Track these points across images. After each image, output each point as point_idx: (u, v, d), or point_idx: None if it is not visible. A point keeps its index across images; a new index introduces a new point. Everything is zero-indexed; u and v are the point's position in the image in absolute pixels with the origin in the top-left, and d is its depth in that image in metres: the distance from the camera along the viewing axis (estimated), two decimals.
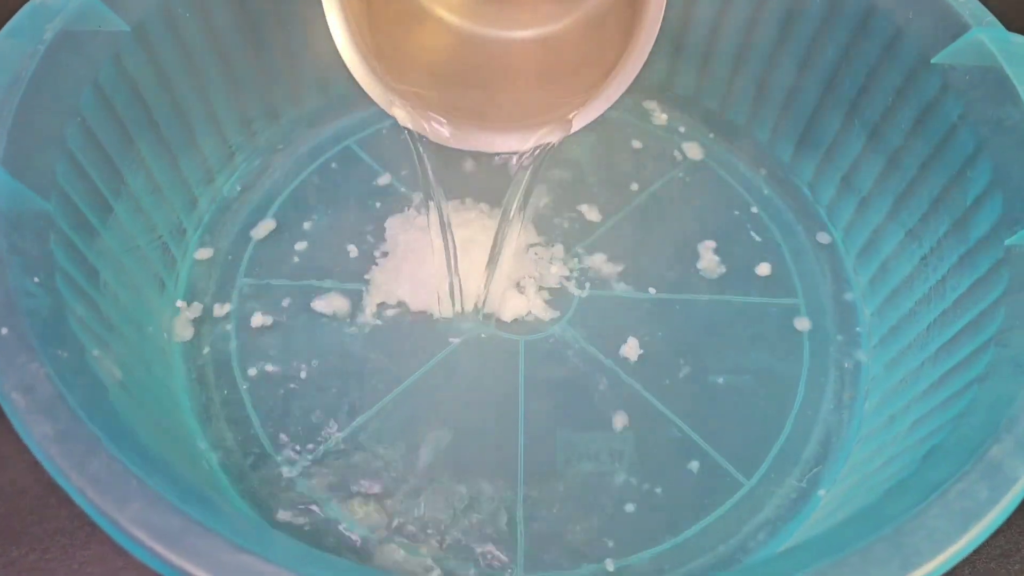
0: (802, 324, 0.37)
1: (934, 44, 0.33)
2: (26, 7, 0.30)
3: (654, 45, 0.34)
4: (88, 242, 0.29)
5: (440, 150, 0.36)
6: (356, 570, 0.21)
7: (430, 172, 0.34)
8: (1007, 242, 0.28)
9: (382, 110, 0.36)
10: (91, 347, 0.25)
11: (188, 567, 0.19)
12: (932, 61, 0.33)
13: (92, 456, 0.21)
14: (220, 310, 0.36)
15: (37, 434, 0.21)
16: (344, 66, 0.35)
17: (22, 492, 0.32)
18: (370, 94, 0.34)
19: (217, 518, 0.20)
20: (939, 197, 0.33)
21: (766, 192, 0.41)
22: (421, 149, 0.33)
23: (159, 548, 0.19)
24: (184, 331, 0.36)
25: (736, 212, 0.41)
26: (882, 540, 0.20)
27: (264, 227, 0.39)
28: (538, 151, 0.35)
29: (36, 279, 0.25)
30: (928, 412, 0.28)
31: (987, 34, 0.32)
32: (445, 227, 0.35)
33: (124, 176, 0.33)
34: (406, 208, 0.40)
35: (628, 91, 0.35)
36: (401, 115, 0.33)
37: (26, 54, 0.29)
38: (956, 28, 0.32)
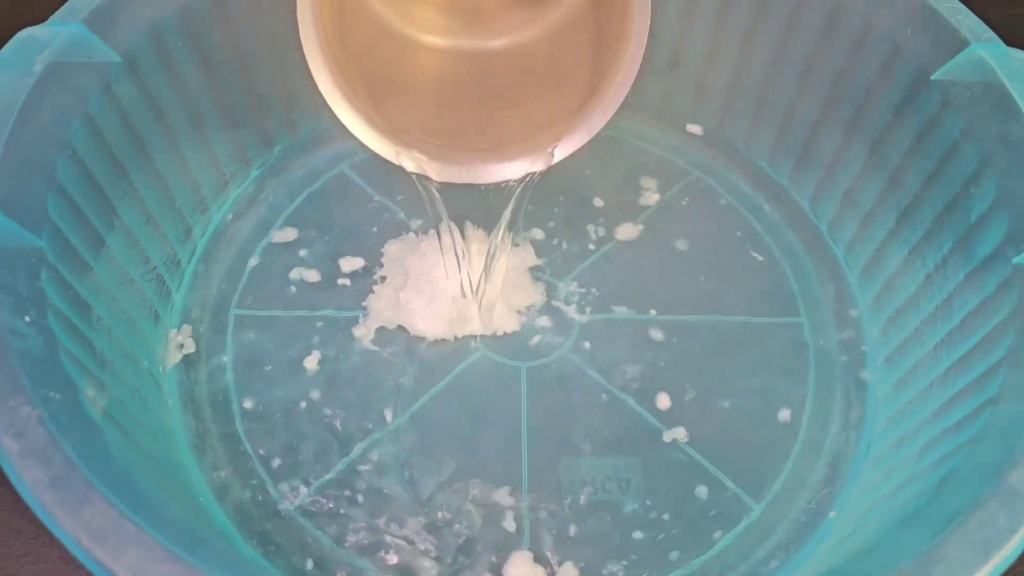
0: (806, 343, 0.37)
1: (934, 60, 0.33)
2: (15, 39, 0.30)
3: (651, 64, 0.34)
4: (80, 277, 0.29)
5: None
6: None
7: (439, 202, 0.33)
8: (1015, 260, 0.28)
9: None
10: (84, 386, 0.24)
11: None
12: (932, 77, 0.33)
13: (86, 503, 0.20)
14: (216, 341, 0.36)
15: (29, 480, 0.20)
16: None
17: (16, 532, 0.32)
18: (380, 152, 0.33)
19: (215, 564, 0.20)
20: (943, 214, 0.32)
21: (767, 210, 0.41)
22: (429, 185, 0.33)
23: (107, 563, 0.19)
24: (179, 364, 0.35)
25: (738, 232, 0.40)
26: (903, 574, 0.20)
27: (259, 255, 0.39)
28: (525, 179, 0.34)
29: (27, 318, 0.24)
30: (939, 435, 0.27)
31: (987, 50, 0.31)
32: (461, 252, 0.34)
33: (116, 208, 0.32)
34: (404, 232, 0.39)
35: (627, 111, 0.35)
36: (410, 165, 0.32)
37: (15, 87, 0.28)
38: (955, 44, 0.32)
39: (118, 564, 0.19)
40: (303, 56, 0.32)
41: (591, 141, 0.33)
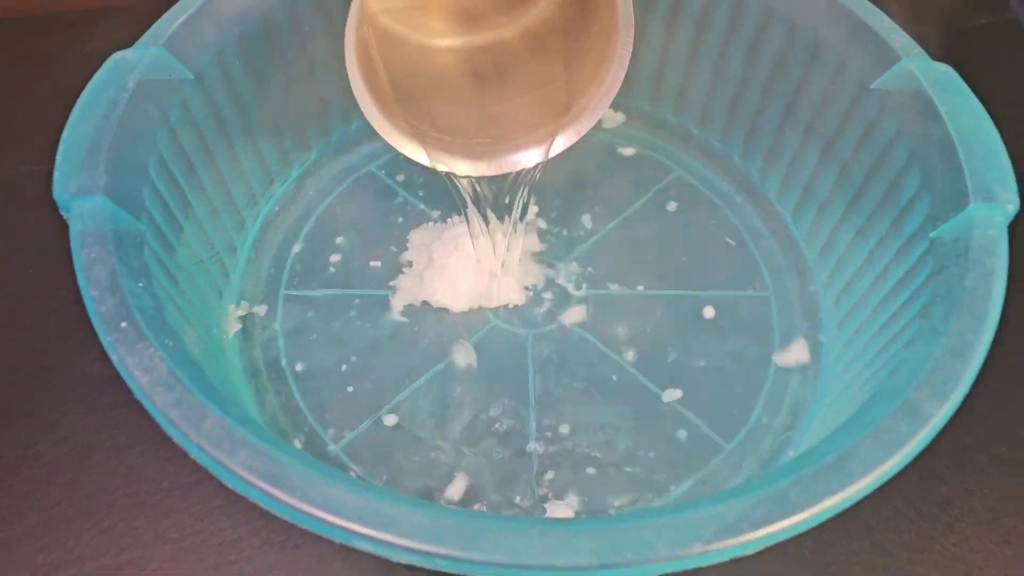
0: (772, 313, 0.43)
1: (872, 73, 0.39)
2: (109, 61, 0.36)
3: (638, 73, 0.40)
4: (168, 256, 0.35)
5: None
6: (413, 503, 0.26)
7: (466, 191, 0.40)
8: (931, 235, 0.34)
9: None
10: (185, 336, 0.31)
11: (288, 500, 0.25)
12: (871, 87, 0.39)
13: (204, 418, 0.26)
14: (268, 315, 0.42)
15: (159, 403, 0.27)
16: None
17: (111, 472, 0.38)
18: (417, 160, 0.39)
19: (305, 463, 0.26)
20: (881, 201, 0.39)
21: (739, 202, 0.47)
22: (457, 180, 0.39)
23: (264, 485, 0.25)
24: (238, 333, 0.41)
25: (713, 221, 0.47)
26: (825, 467, 0.26)
27: (301, 242, 0.45)
28: (536, 168, 0.40)
29: (140, 284, 0.30)
30: (871, 375, 0.34)
31: (915, 64, 0.38)
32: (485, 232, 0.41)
33: (190, 201, 0.38)
34: (426, 222, 0.46)
35: (617, 114, 0.41)
36: (441, 167, 0.38)
37: (113, 102, 0.35)
38: (889, 59, 0.39)
39: (233, 462, 0.25)
40: (335, 74, 0.38)
41: (585, 140, 0.39)
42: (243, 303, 0.42)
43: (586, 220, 0.46)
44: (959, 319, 0.30)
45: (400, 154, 0.39)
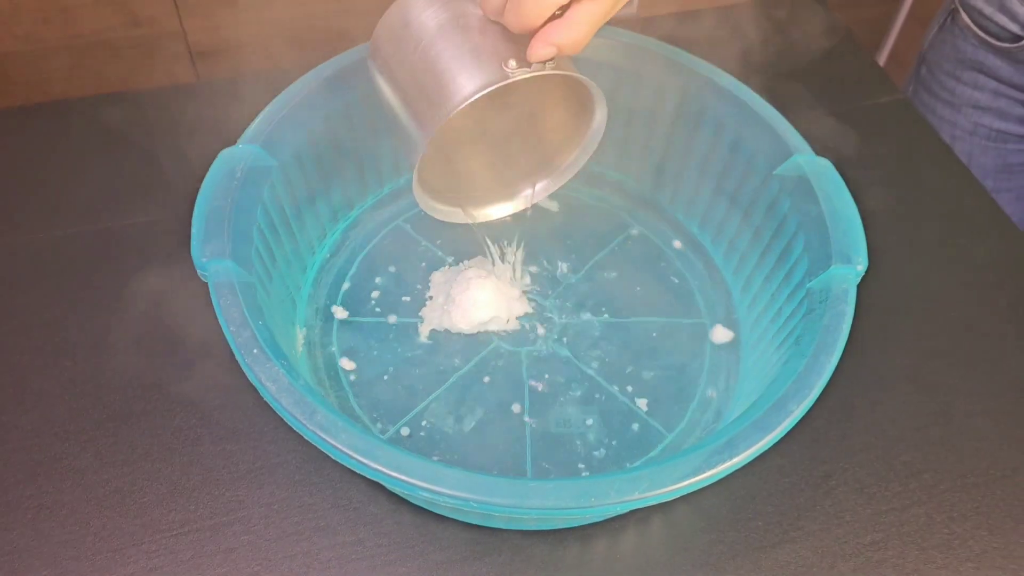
0: (705, 336, 0.57)
1: (776, 162, 0.54)
2: (221, 155, 0.50)
3: (603, 154, 0.55)
4: (266, 298, 0.49)
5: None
6: (451, 467, 0.40)
7: (485, 237, 0.54)
8: (808, 286, 0.49)
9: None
10: (290, 359, 0.44)
11: (374, 466, 0.38)
12: (774, 173, 0.54)
13: (315, 412, 0.40)
14: (325, 336, 0.56)
15: (284, 403, 0.40)
16: (391, 171, 0.56)
17: (216, 455, 0.51)
18: (459, 222, 0.55)
19: (383, 442, 0.40)
20: (779, 257, 0.53)
21: (682, 248, 0.62)
22: (478, 232, 0.54)
23: (359, 457, 0.39)
24: (304, 350, 0.55)
25: (662, 264, 0.61)
26: (719, 446, 0.40)
27: (348, 281, 0.59)
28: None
29: (260, 321, 0.44)
30: (769, 370, 0.48)
31: (803, 158, 0.52)
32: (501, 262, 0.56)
33: (275, 256, 0.52)
34: (443, 266, 0.60)
35: (588, 181, 0.55)
36: (477, 221, 0.55)
37: (230, 186, 0.48)
38: (786, 153, 0.53)
39: (339, 442, 0.39)
40: (372, 153, 0.53)
41: (565, 206, 0.53)
42: (307, 328, 0.56)
43: (564, 267, 0.60)
44: (817, 347, 0.44)
45: (416, 208, 0.53)
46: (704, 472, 0.39)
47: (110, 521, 0.49)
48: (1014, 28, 0.70)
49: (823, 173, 0.52)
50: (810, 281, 0.49)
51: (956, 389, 0.56)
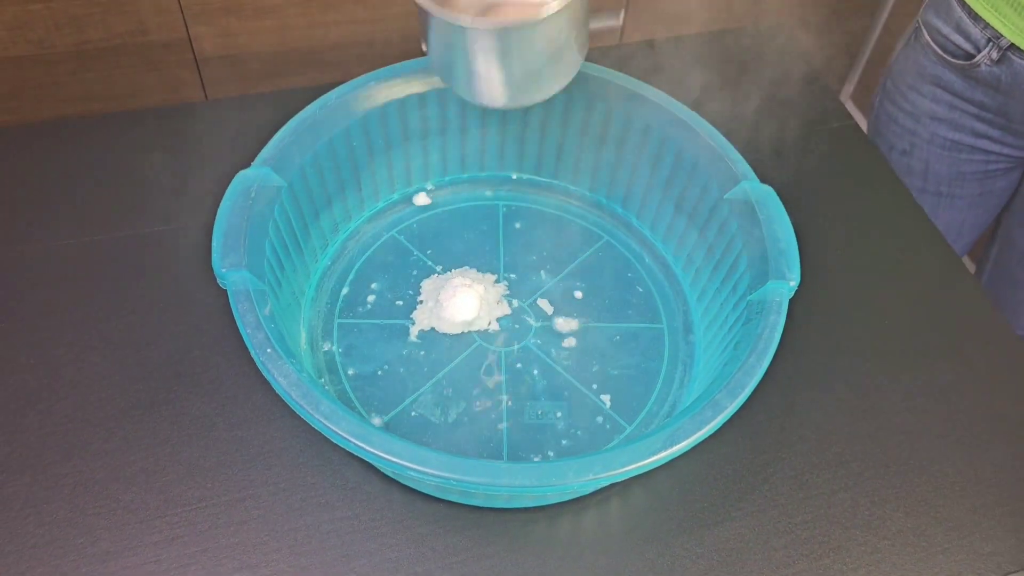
0: (663, 339, 0.64)
1: (726, 187, 0.61)
2: (238, 176, 0.57)
3: (578, 172, 0.62)
4: (276, 303, 0.56)
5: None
6: (433, 451, 0.47)
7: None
8: (748, 298, 0.56)
9: (413, 216, 0.63)
10: (298, 357, 0.51)
11: (370, 449, 0.46)
12: (725, 196, 0.61)
13: (320, 403, 0.47)
14: (326, 336, 0.63)
15: (294, 395, 0.47)
16: (386, 187, 0.63)
17: (230, 440, 0.58)
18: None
19: (377, 429, 0.47)
20: (728, 271, 0.60)
21: (647, 260, 0.69)
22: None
23: (357, 442, 0.46)
24: (307, 347, 0.62)
25: (629, 274, 0.68)
26: (659, 437, 0.47)
27: (348, 286, 0.66)
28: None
29: (273, 325, 0.51)
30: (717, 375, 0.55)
31: (749, 184, 0.60)
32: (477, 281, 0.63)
33: (284, 266, 0.59)
34: (432, 274, 0.67)
35: (564, 196, 0.62)
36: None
37: (245, 204, 0.55)
38: (735, 179, 0.60)
39: (339, 429, 0.46)
40: (370, 172, 0.60)
41: (541, 216, 0.60)
42: (310, 328, 0.63)
43: (542, 273, 0.68)
44: (750, 352, 0.51)
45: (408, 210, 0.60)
46: (647, 458, 0.46)
47: (137, 496, 0.56)
48: (967, 47, 0.77)
49: (766, 198, 0.59)
50: (751, 294, 0.56)
51: (884, 389, 0.63)
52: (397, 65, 0.64)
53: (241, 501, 0.56)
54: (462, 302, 0.63)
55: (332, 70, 1.47)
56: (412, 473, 0.46)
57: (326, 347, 0.63)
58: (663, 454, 0.47)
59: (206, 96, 1.44)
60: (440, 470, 0.45)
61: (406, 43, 1.43)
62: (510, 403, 0.60)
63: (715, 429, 0.49)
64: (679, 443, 0.47)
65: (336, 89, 0.62)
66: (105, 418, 0.59)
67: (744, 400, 0.50)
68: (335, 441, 0.47)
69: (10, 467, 0.56)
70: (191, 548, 0.54)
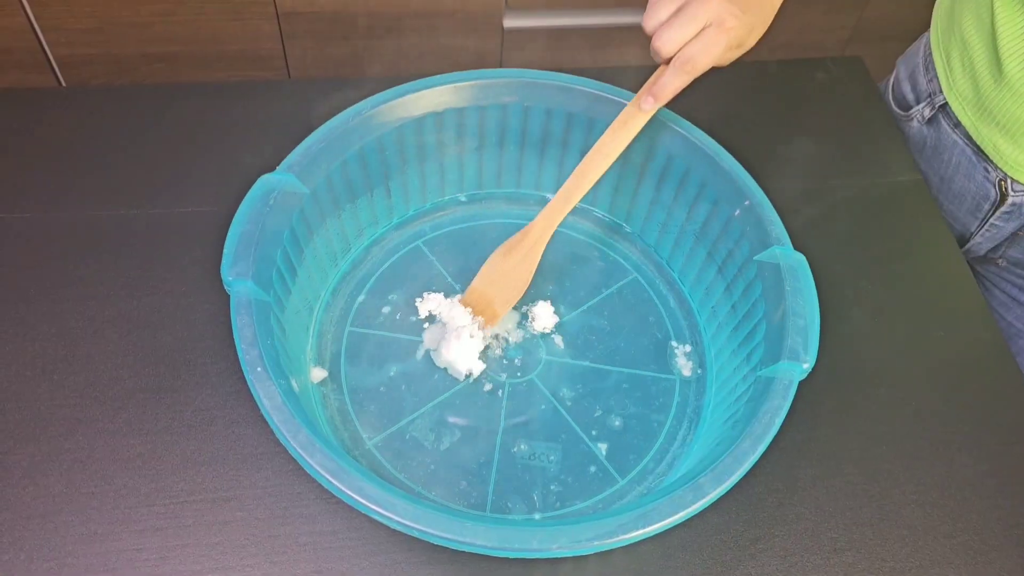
0: (675, 394, 0.63)
1: (757, 249, 0.58)
2: (259, 181, 0.57)
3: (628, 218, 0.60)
4: (281, 313, 0.56)
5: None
6: (406, 496, 0.47)
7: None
8: (758, 372, 0.54)
9: (443, 227, 0.62)
10: (291, 377, 0.51)
11: (340, 486, 0.46)
12: (755, 258, 0.58)
13: (299, 431, 0.47)
14: (335, 343, 0.63)
15: (276, 419, 0.48)
16: (418, 195, 0.62)
17: (227, 437, 0.59)
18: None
19: (352, 466, 0.47)
20: (748, 335, 0.58)
21: (673, 307, 0.67)
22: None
23: (328, 477, 0.46)
24: (314, 353, 0.62)
25: (651, 317, 0.66)
26: (637, 514, 0.46)
27: (364, 294, 0.66)
28: None
29: (269, 341, 0.51)
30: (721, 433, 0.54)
31: (780, 249, 0.57)
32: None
33: (297, 272, 0.59)
34: (453, 293, 0.66)
35: (605, 233, 0.61)
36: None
37: (263, 210, 0.55)
38: (768, 242, 0.58)
39: (312, 460, 0.46)
40: (402, 178, 0.60)
41: (572, 246, 0.59)
42: (318, 334, 0.63)
43: (561, 305, 0.66)
44: (746, 436, 0.49)
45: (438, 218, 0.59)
46: (616, 536, 0.45)
47: (130, 481, 0.57)
48: (910, 98, 0.80)
49: (796, 268, 0.56)
50: (762, 368, 0.54)
51: (896, 477, 0.60)
52: (435, 77, 0.63)
53: (227, 500, 0.57)
54: (464, 349, 0.62)
55: (412, 36, 1.47)
56: (375, 516, 0.45)
57: (332, 354, 0.63)
58: (633, 534, 0.46)
59: (283, 47, 1.46)
60: (404, 518, 0.45)
61: (488, 15, 1.41)
62: (504, 438, 0.60)
63: (693, 514, 0.47)
64: (652, 524, 0.46)
65: (370, 99, 0.62)
66: (113, 397, 0.60)
67: (729, 488, 0.48)
68: (307, 470, 0.47)
69: (17, 435, 0.58)
70: (172, 541, 0.55)
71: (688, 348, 0.65)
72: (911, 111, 0.78)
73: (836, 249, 0.58)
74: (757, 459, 0.49)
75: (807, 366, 0.52)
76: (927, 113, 0.76)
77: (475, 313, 0.63)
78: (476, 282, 0.64)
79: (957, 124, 0.74)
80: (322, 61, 1.49)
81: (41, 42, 1.40)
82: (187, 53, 1.47)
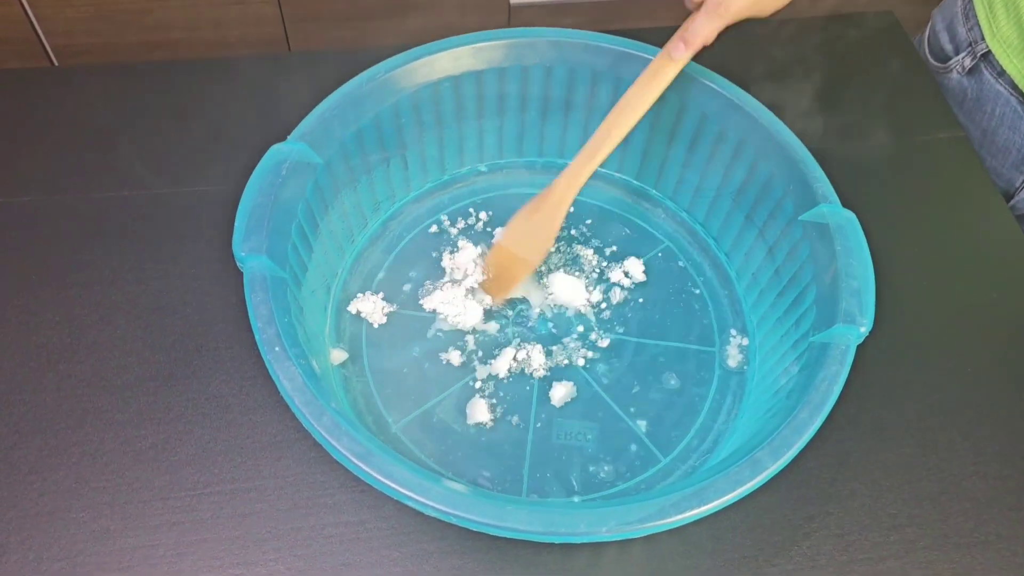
0: (715, 364, 0.59)
1: (803, 207, 0.54)
2: (271, 151, 0.53)
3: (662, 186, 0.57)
4: (298, 290, 0.52)
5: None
6: (440, 481, 0.43)
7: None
8: (811, 339, 0.50)
9: (463, 200, 0.59)
10: (312, 358, 0.48)
11: (369, 471, 0.42)
12: (800, 218, 0.54)
13: (323, 414, 0.44)
14: (355, 324, 0.60)
15: (296, 400, 0.44)
16: (436, 167, 0.59)
17: (243, 424, 0.56)
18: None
19: (379, 448, 0.43)
20: (795, 301, 0.54)
21: (709, 276, 0.63)
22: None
23: (356, 461, 0.42)
24: (332, 335, 0.59)
25: (687, 287, 0.63)
26: (690, 493, 0.43)
27: (384, 271, 0.62)
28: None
29: (286, 319, 0.48)
30: (765, 414, 0.50)
31: (827, 207, 0.53)
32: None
33: (313, 248, 0.56)
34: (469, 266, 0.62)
35: (635, 200, 0.57)
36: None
37: (275, 181, 0.52)
38: (813, 200, 0.54)
39: (339, 444, 0.43)
40: (420, 148, 0.57)
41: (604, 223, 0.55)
42: (337, 314, 0.60)
43: (592, 276, 0.63)
44: (804, 405, 0.46)
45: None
46: (669, 517, 0.42)
47: (143, 474, 0.54)
48: (948, 49, 0.76)
49: (846, 226, 0.52)
50: (814, 334, 0.50)
51: (954, 448, 0.57)
52: (454, 38, 0.59)
53: (246, 492, 0.53)
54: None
55: (415, 16, 1.43)
56: (407, 502, 0.42)
57: (353, 336, 0.59)
58: (687, 514, 0.42)
59: (285, 31, 1.42)
60: (440, 503, 0.42)
61: None
62: (538, 418, 0.56)
63: (750, 491, 0.44)
64: (707, 503, 0.42)
65: (385, 62, 0.58)
66: (122, 386, 0.57)
67: (789, 461, 0.44)
68: (334, 456, 0.43)
69: (22, 429, 0.55)
70: (190, 536, 0.52)
71: (729, 317, 0.61)
72: (950, 63, 0.74)
73: (877, 210, 0.54)
74: (816, 430, 0.45)
75: (864, 329, 0.49)
76: (967, 63, 0.72)
77: (496, 274, 0.60)
78: (503, 238, 0.60)
79: (1001, 73, 0.70)
80: (325, 44, 1.46)
81: (37, 32, 1.37)
82: (187, 40, 1.43)
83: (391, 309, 0.60)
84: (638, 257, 0.63)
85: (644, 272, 0.62)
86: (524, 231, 0.59)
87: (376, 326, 0.60)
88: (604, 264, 0.63)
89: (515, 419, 0.56)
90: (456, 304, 0.60)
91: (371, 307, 0.60)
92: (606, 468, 0.55)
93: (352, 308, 0.60)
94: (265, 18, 1.42)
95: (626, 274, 0.62)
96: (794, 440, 0.45)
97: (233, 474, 0.54)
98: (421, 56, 0.58)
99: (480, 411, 0.56)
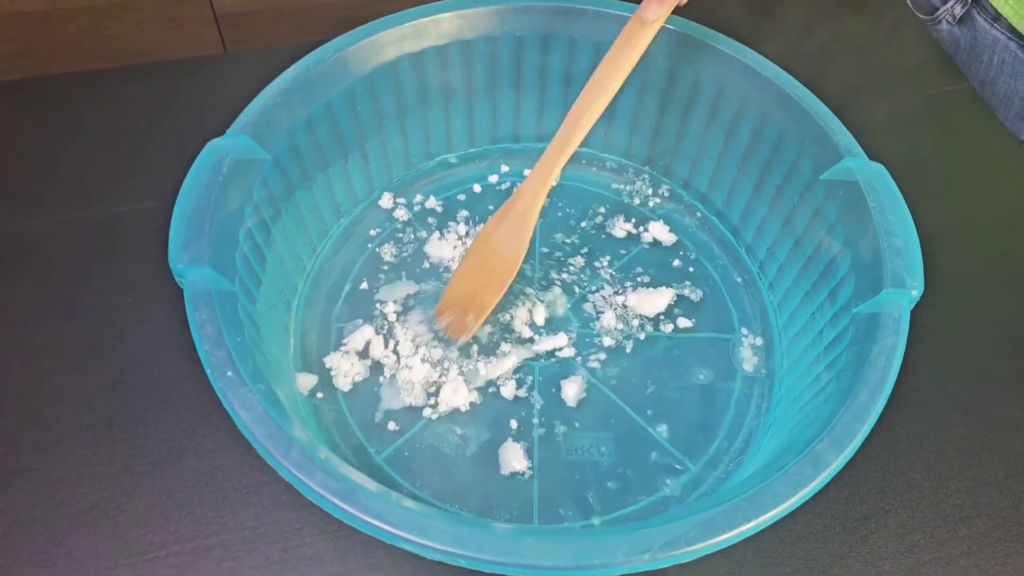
0: (737, 355, 0.52)
1: (822, 165, 0.48)
2: (207, 147, 0.46)
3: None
4: (252, 307, 0.45)
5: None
6: (436, 514, 0.36)
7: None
8: (854, 311, 0.43)
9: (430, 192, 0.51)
10: (272, 384, 0.40)
11: (350, 510, 0.34)
12: (821, 177, 0.48)
13: (291, 448, 0.36)
14: (322, 344, 0.52)
15: (257, 434, 0.36)
16: (401, 162, 0.51)
17: (201, 471, 0.48)
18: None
19: (361, 484, 0.35)
20: (822, 273, 0.48)
21: (718, 256, 0.56)
22: None
23: (334, 499, 0.35)
24: (298, 359, 0.51)
25: (692, 269, 0.56)
26: (743, 501, 0.35)
27: (350, 282, 0.54)
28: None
29: (239, 338, 0.40)
30: (800, 410, 0.43)
31: (854, 162, 0.46)
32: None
33: (267, 258, 0.48)
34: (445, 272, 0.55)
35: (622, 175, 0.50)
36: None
37: (213, 181, 0.44)
38: (835, 156, 0.47)
39: (312, 481, 0.35)
40: (380, 143, 0.50)
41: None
42: (302, 334, 0.52)
43: (586, 267, 0.55)
44: (862, 386, 0.39)
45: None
46: (722, 534, 0.34)
47: (84, 540, 0.45)
48: None
49: (877, 180, 0.46)
50: (857, 305, 0.43)
51: (1016, 423, 0.50)
52: (409, 11, 0.52)
53: (209, 550, 0.45)
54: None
55: None
56: (406, 546, 0.34)
57: (321, 358, 0.51)
58: (743, 527, 0.35)
59: (222, 37, 1.34)
60: (442, 543, 0.34)
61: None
62: (542, 432, 0.49)
63: (815, 491, 0.36)
64: (766, 512, 0.35)
65: (335, 40, 0.51)
66: (54, 440, 0.49)
67: (854, 453, 0.37)
68: (308, 496, 0.36)
69: None
70: None
71: (745, 298, 0.54)
72: (938, 12, 0.69)
73: (893, 174, 0.48)
74: (880, 412, 0.38)
75: (916, 292, 0.42)
76: (958, 11, 0.67)
77: (456, 316, 0.52)
78: (450, 288, 0.52)
79: (996, 17, 0.64)
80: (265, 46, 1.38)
81: None
82: (123, 69, 1.35)
83: (362, 373, 0.52)
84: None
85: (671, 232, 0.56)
86: (484, 255, 0.52)
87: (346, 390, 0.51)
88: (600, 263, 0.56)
89: (515, 430, 0.48)
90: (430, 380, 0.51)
91: (348, 366, 0.51)
92: (626, 483, 0.47)
93: (326, 362, 0.51)
94: (204, 41, 1.34)
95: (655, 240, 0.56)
96: (856, 427, 0.38)
97: (192, 531, 0.46)
98: (376, 31, 0.51)
99: (478, 431, 0.48)
